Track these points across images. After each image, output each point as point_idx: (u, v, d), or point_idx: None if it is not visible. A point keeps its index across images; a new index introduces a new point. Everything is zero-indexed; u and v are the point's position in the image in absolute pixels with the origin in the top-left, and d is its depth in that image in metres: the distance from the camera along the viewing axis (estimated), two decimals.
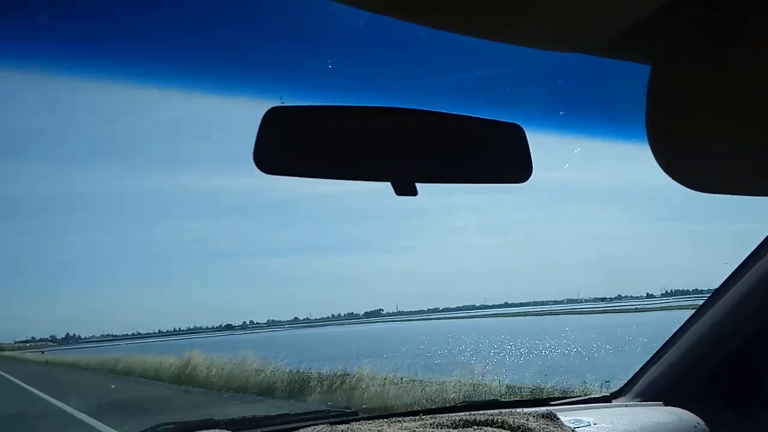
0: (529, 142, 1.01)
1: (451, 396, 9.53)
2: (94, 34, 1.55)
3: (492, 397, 7.93)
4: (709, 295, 2.04)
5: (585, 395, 2.27)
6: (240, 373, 13.95)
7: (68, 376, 20.93)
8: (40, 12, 1.38)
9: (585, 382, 9.70)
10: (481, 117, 1.00)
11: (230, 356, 16.14)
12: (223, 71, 1.48)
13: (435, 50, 1.33)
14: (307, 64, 1.48)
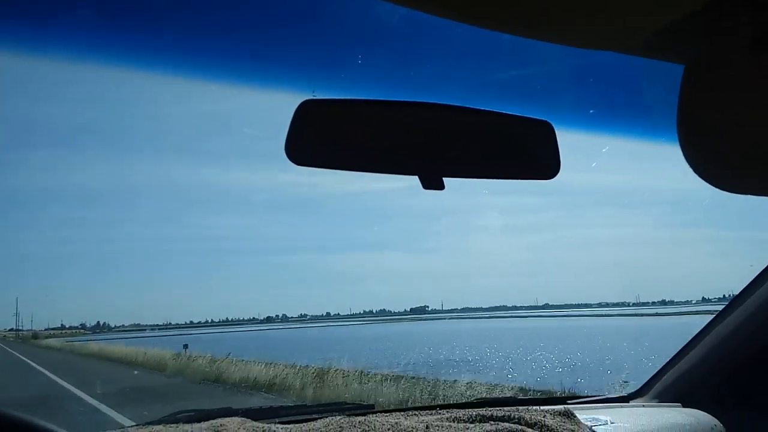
0: (558, 140, 1.02)
1: None
2: (129, 26, 1.58)
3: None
4: None
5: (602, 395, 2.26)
6: None
7: None
8: (82, 5, 1.41)
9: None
10: (510, 113, 1.01)
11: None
12: (258, 65, 1.50)
13: (467, 47, 1.34)
14: (339, 59, 1.50)
